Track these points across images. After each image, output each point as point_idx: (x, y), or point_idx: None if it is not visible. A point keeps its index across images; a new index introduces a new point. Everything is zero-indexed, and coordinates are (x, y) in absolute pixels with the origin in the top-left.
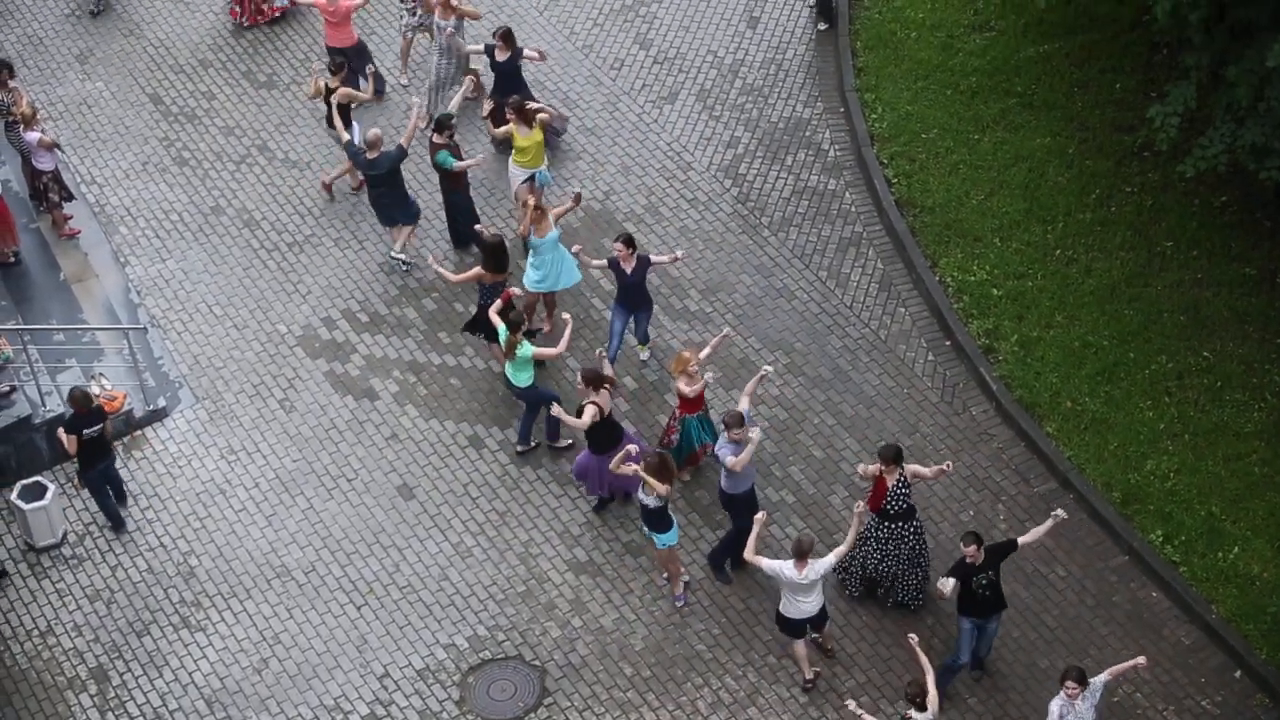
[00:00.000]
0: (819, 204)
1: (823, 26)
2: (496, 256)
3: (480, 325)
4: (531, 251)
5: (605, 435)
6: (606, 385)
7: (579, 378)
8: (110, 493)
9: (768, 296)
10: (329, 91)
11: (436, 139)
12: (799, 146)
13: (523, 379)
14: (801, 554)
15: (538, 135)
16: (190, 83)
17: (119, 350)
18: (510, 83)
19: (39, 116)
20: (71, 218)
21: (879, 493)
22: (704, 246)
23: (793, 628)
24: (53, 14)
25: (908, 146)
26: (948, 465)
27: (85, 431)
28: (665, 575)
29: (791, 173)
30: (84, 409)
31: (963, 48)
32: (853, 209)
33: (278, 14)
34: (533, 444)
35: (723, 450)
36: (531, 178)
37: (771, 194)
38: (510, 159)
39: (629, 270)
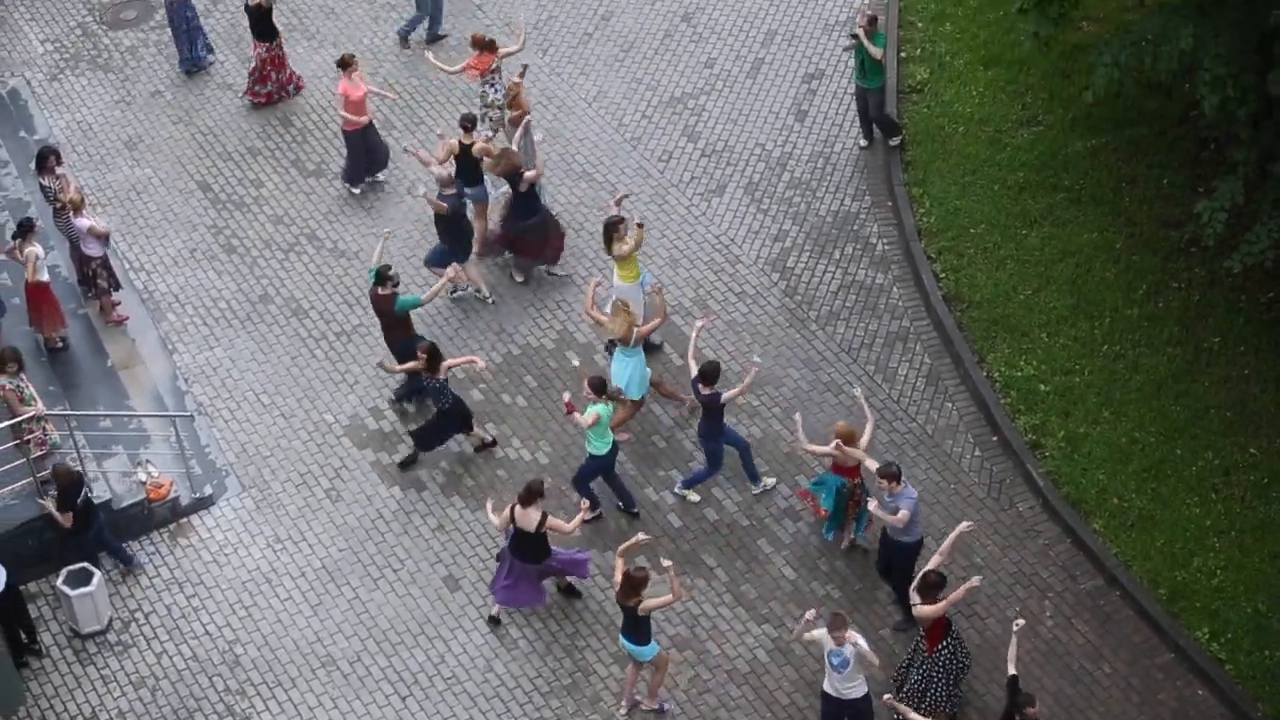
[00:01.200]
0: (867, 298)
1: (863, 144)
2: (433, 358)
3: (431, 435)
4: (619, 353)
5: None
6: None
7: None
8: (109, 535)
9: (815, 390)
10: (464, 150)
11: (382, 291)
12: (847, 240)
13: (600, 446)
14: (839, 625)
15: (632, 242)
16: (239, 170)
17: (166, 437)
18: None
19: (87, 202)
20: (119, 304)
21: (935, 632)
22: (751, 340)
23: (827, 708)
24: (102, 100)
25: (955, 241)
26: (967, 525)
27: (78, 501)
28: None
29: (839, 267)
30: (70, 481)
31: (1011, 142)
32: (900, 303)
33: (296, 86)
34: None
35: (888, 504)
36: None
37: (819, 288)
38: (615, 276)
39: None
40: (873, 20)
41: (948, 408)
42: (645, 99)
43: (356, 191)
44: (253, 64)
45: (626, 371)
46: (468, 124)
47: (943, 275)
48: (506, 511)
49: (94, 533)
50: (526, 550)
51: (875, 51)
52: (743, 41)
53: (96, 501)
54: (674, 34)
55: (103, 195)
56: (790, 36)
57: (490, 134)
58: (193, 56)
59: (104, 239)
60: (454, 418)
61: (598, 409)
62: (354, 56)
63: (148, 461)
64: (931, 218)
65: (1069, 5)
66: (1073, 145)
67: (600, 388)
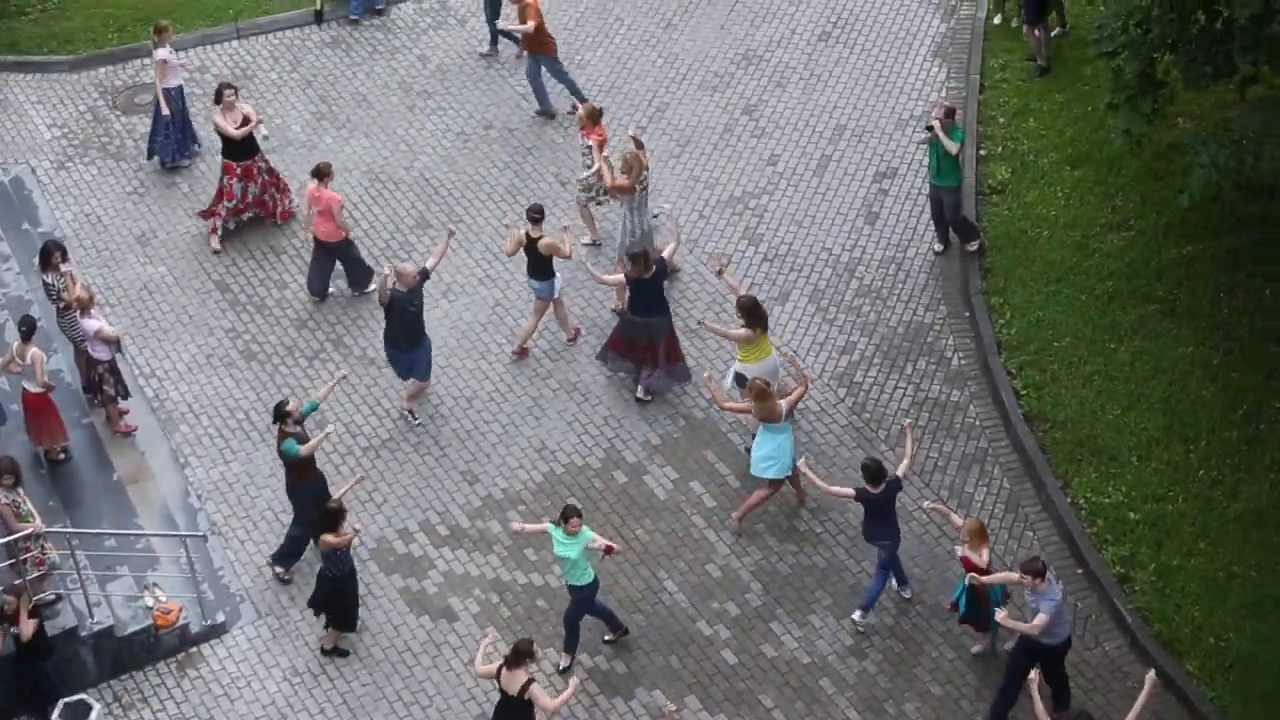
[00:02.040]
0: (940, 417)
1: (938, 249)
2: (335, 521)
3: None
4: (764, 432)
5: None
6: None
7: None
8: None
9: None
10: (531, 242)
11: (285, 428)
12: (920, 354)
13: (582, 577)
14: None
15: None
16: (260, 269)
17: (175, 559)
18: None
19: (96, 302)
20: (127, 413)
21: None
22: (816, 460)
23: None
24: (113, 191)
25: (1038, 356)
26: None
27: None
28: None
29: (911, 382)
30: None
31: (1099, 248)
32: (977, 423)
33: (284, 214)
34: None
35: (1030, 603)
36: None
37: (889, 405)
38: (738, 362)
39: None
40: (950, 113)
41: (1028, 537)
42: (703, 198)
43: (368, 291)
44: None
45: (776, 449)
46: (536, 215)
47: (1024, 392)
48: (493, 667)
49: (42, 666)
50: (509, 716)
51: (952, 147)
52: (808, 137)
53: (98, 628)
54: (734, 128)
55: (112, 294)
56: (860, 132)
57: (598, 199)
58: (180, 150)
59: (114, 344)
60: (344, 593)
61: (559, 535)
62: (331, 167)
63: (155, 585)
64: (1012, 330)
65: (1163, 101)
66: (1166, 252)
67: (569, 513)
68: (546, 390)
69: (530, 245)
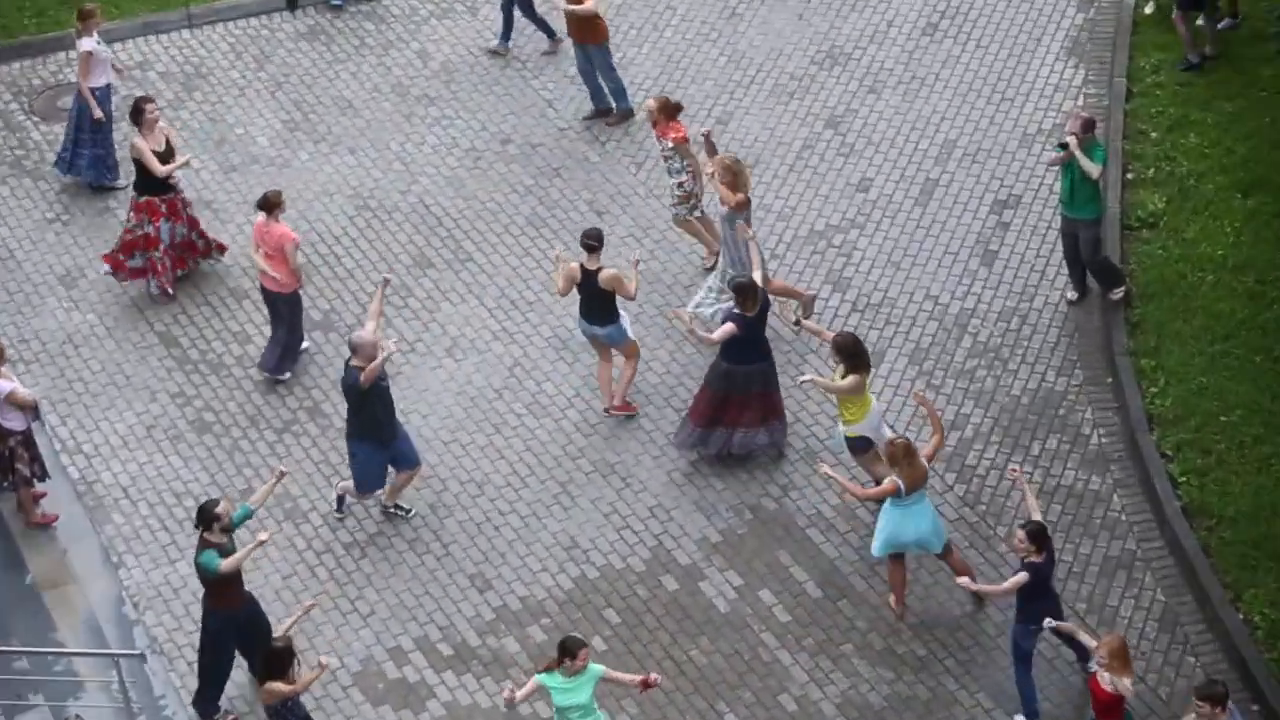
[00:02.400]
0: (1076, 510)
1: (1072, 297)
2: (283, 663)
3: None
4: (891, 510)
5: None
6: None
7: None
8: None
9: (1003, 636)
10: (588, 276)
11: (209, 535)
12: (1049, 430)
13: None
14: None
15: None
16: (217, 318)
17: (106, 684)
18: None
19: (6, 359)
20: (45, 496)
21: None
22: (918, 564)
23: None
24: (29, 218)
25: (1200, 433)
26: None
27: None
28: None
29: (1038, 466)
30: None
31: (1278, 297)
32: (1123, 518)
33: (205, 254)
34: None
35: None
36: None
37: (1010, 495)
38: (843, 425)
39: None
40: (1088, 125)
41: (1188, 663)
42: (776, 232)
43: (283, 378)
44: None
45: (920, 526)
46: (593, 242)
47: (1182, 480)
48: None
49: None
50: None
51: (1090, 168)
52: (909, 156)
53: None
54: (815, 145)
55: (27, 348)
56: (974, 150)
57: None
58: (110, 167)
59: (29, 410)
60: None
61: (556, 681)
62: (281, 195)
63: (78, 716)
64: (1167, 400)
65: None
66: None
67: (571, 648)
68: (577, 473)
69: (587, 281)
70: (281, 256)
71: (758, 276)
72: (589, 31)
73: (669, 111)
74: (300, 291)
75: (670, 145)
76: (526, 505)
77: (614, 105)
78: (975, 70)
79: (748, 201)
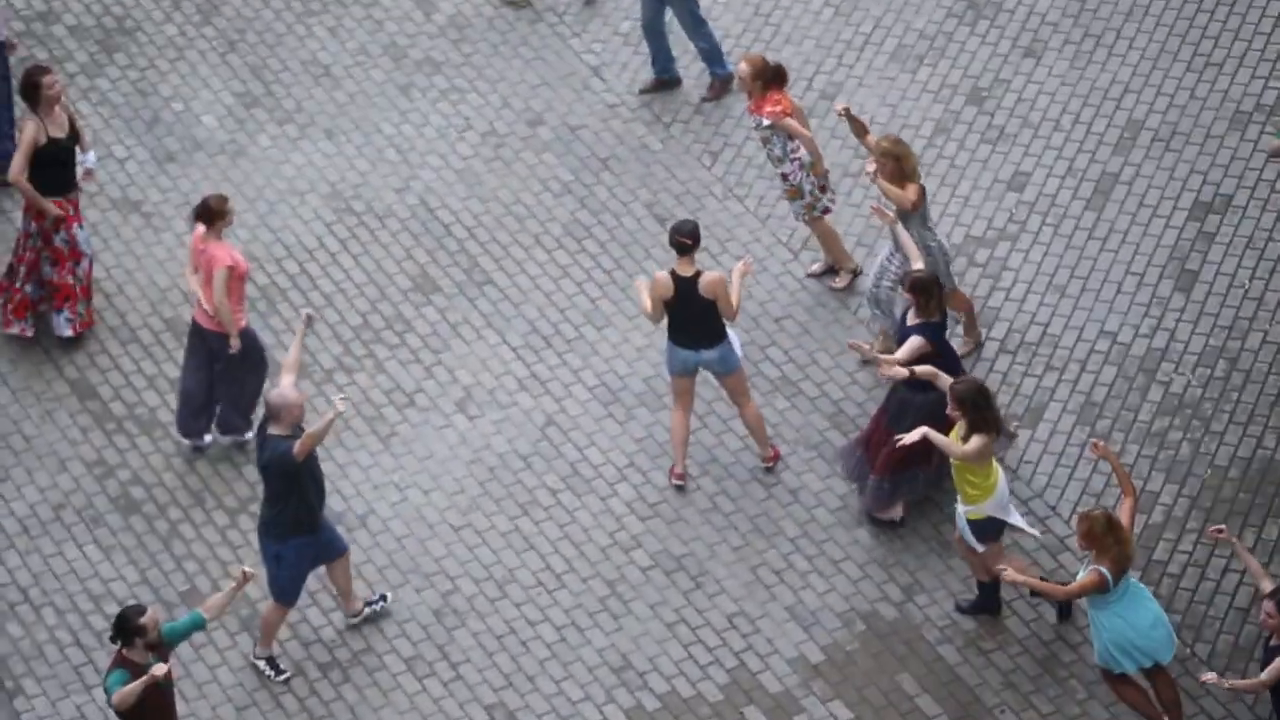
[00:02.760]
0: None
1: None
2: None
3: None
4: (1096, 608)
5: None
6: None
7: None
8: None
9: None
10: (682, 285)
11: (126, 651)
12: (1266, 513)
13: None
14: None
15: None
16: (149, 361)
17: None
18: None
19: None
20: None
21: None
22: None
23: None
24: None
25: None
26: None
27: None
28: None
29: (1260, 558)
30: None
31: None
32: None
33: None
34: None
35: None
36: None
37: (1214, 598)
38: (963, 505)
39: None
40: None
41: None
42: None
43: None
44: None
45: (1147, 616)
46: (686, 239)
47: None
48: None
49: None
50: None
51: None
52: (1079, 143)
53: None
54: (953, 127)
55: None
56: (1168, 135)
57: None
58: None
59: None
60: None
61: None
62: (227, 202)
63: None
64: None
65: None
66: None
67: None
68: (631, 569)
69: (684, 290)
70: (220, 285)
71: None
72: None
73: (767, 78)
74: (245, 328)
75: (766, 123)
76: (563, 612)
77: (710, 72)
78: (1170, 25)
79: (924, 194)
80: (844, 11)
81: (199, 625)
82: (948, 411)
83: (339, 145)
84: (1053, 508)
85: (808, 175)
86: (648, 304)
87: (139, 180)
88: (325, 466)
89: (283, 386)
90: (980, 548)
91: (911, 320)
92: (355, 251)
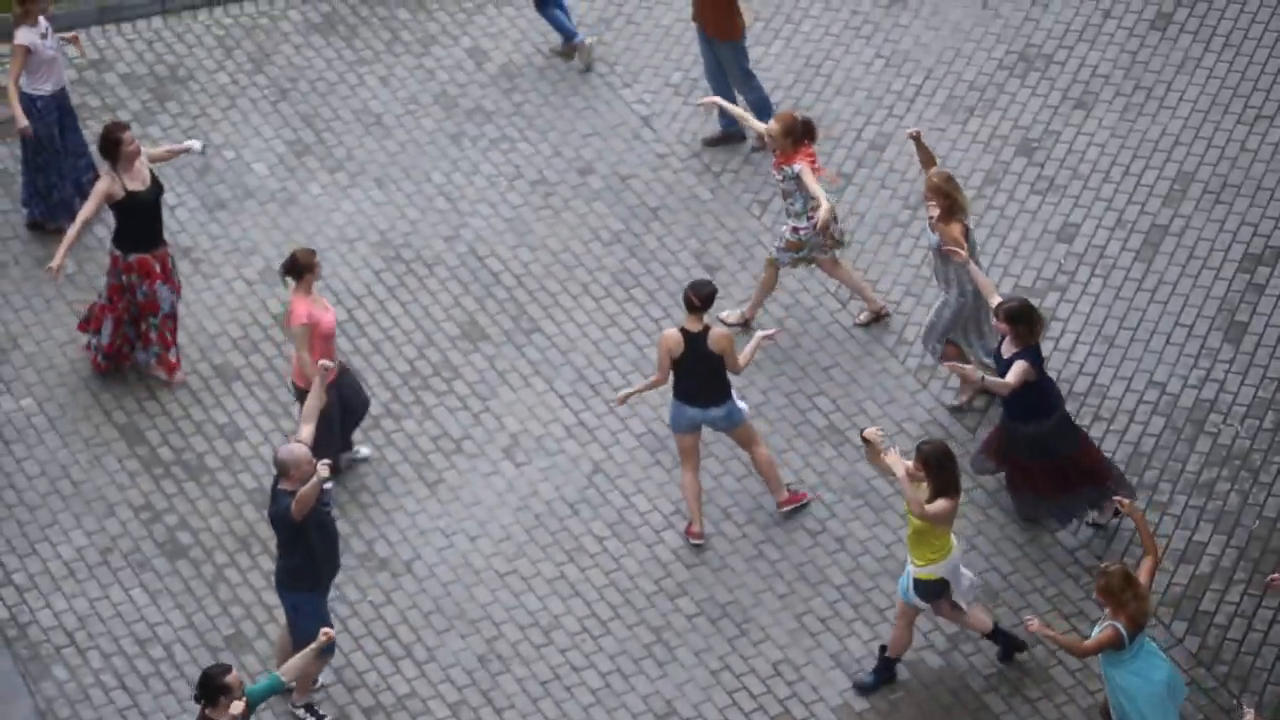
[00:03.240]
0: None
1: None
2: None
3: None
4: (1110, 664)
5: None
6: None
7: None
8: None
9: None
10: (691, 342)
11: (210, 712)
12: None
13: None
14: None
15: None
16: (198, 407)
17: None
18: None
19: None
20: None
21: None
22: None
23: None
24: None
25: None
26: None
27: None
28: None
29: None
30: None
31: None
32: None
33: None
34: None
35: None
36: None
37: (1261, 651)
38: (914, 564)
39: None
40: None
41: None
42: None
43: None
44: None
45: (1160, 675)
46: (701, 298)
47: None
48: None
49: None
50: None
51: None
52: (1129, 194)
53: None
54: (1002, 178)
55: None
56: (1218, 187)
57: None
58: (55, 199)
59: None
60: None
61: None
62: (315, 256)
63: None
64: None
65: None
66: None
67: None
68: (677, 616)
69: (693, 347)
70: (309, 341)
71: (995, 301)
72: (723, 21)
73: (798, 135)
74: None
75: (794, 173)
76: (608, 658)
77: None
78: (1221, 78)
79: (967, 233)
80: (894, 63)
81: (278, 689)
82: (910, 468)
83: (389, 194)
84: (1099, 558)
85: (815, 233)
86: (661, 359)
87: (189, 227)
88: (371, 513)
89: (296, 440)
90: (924, 606)
91: (1009, 350)
92: (404, 299)
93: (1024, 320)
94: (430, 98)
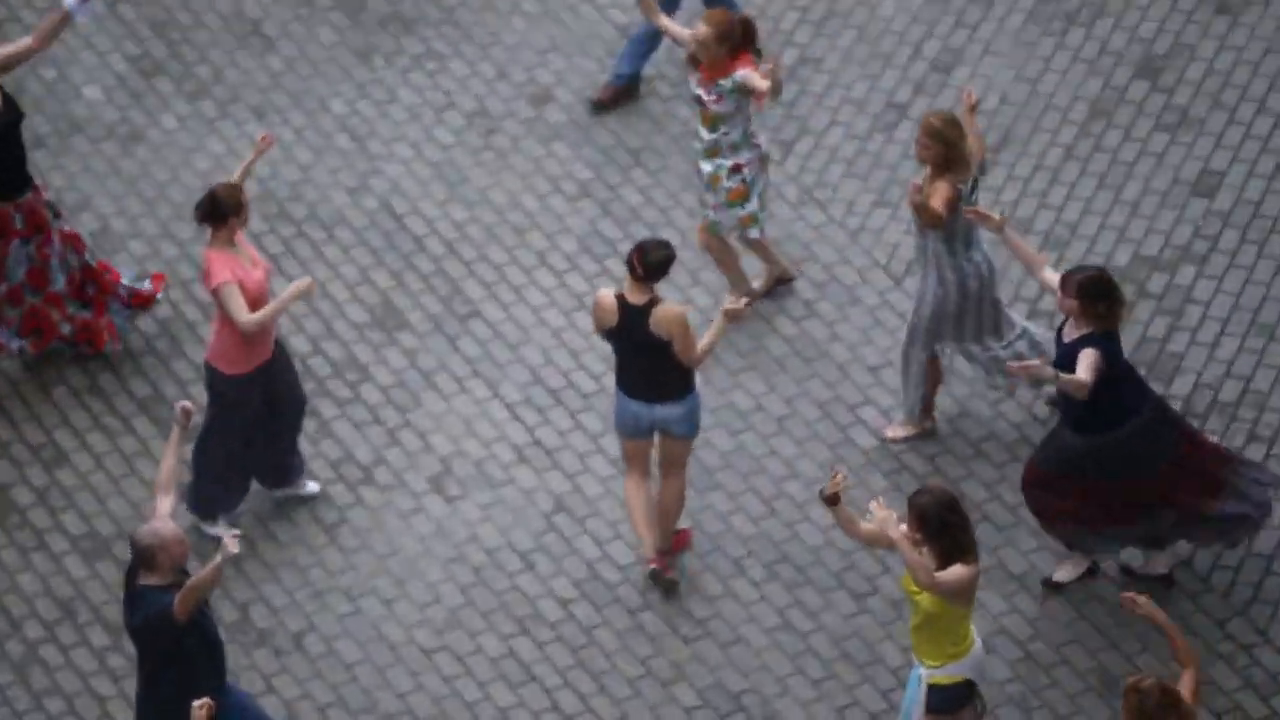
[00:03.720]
0: None
1: None
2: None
3: None
4: None
5: None
6: None
7: None
8: None
9: None
10: (627, 315)
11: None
12: None
13: None
14: None
15: None
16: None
17: None
18: None
19: None
20: None
21: None
22: None
23: None
24: None
25: None
26: None
27: None
28: None
29: None
30: None
31: None
32: None
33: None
34: None
35: None
36: None
37: None
38: (927, 667)
39: None
40: None
41: None
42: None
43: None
44: None
45: None
46: (640, 264)
47: None
48: None
49: None
50: None
51: None
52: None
53: None
54: (1109, 109)
55: None
56: None
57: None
58: None
59: None
60: None
61: None
62: (242, 194)
63: None
64: None
65: None
66: None
67: None
68: (671, 709)
69: (628, 321)
70: (219, 308)
71: (1051, 276)
72: None
73: (735, 39)
74: (248, 378)
75: (734, 84)
76: None
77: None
78: None
79: (957, 199)
80: None
81: None
82: (905, 531)
83: (272, 128)
84: (1262, 632)
85: (764, 173)
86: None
87: None
88: (247, 566)
89: (157, 517)
90: None
91: (1074, 332)
92: (292, 272)
93: (1103, 295)
94: None
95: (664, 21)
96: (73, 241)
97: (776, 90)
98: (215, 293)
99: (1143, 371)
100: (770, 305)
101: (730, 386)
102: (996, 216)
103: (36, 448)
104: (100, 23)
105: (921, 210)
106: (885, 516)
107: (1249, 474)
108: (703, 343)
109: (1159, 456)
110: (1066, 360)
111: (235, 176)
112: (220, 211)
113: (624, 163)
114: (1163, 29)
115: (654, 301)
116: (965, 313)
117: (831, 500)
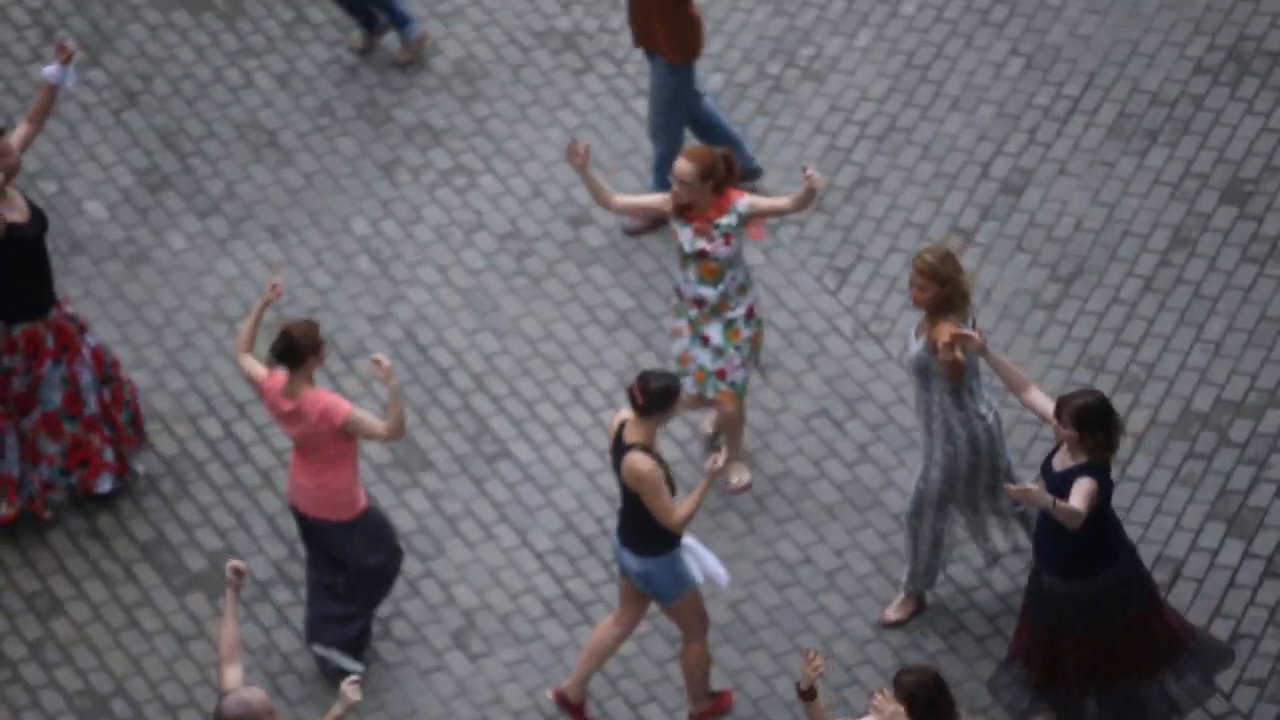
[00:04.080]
0: None
1: None
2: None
3: None
4: None
5: None
6: None
7: None
8: None
9: None
10: (617, 449)
11: None
12: None
13: None
14: None
15: None
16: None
17: None
18: None
19: None
20: None
21: None
22: None
23: None
24: None
25: None
26: None
27: None
28: None
29: None
30: None
31: None
32: None
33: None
34: None
35: None
36: None
37: None
38: None
39: None
40: None
41: None
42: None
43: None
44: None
45: None
46: (643, 394)
47: None
48: None
49: None
50: None
51: None
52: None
53: None
54: (1192, 236)
55: None
56: None
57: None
58: None
59: None
60: None
61: None
62: (319, 331)
63: None
64: None
65: None
66: None
67: None
68: None
69: (615, 456)
70: (331, 444)
71: (1038, 399)
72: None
73: (719, 176)
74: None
75: (739, 216)
76: None
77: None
78: None
79: (959, 367)
80: (1039, 64)
81: None
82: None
83: (287, 249)
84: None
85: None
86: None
87: None
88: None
89: (235, 688)
90: None
91: (1067, 462)
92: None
93: (1101, 424)
94: (351, 107)
95: (621, 200)
96: (97, 358)
97: (807, 200)
98: (345, 426)
99: (1223, 527)
100: (820, 448)
101: (777, 536)
102: (978, 337)
103: (30, 596)
104: (104, 132)
105: (953, 367)
106: (894, 712)
107: (1204, 649)
108: (685, 505)
109: (1128, 606)
110: (1057, 492)
111: (244, 333)
112: (297, 352)
113: (666, 290)
114: (1252, 151)
115: (633, 445)
116: (978, 469)
117: (807, 695)
